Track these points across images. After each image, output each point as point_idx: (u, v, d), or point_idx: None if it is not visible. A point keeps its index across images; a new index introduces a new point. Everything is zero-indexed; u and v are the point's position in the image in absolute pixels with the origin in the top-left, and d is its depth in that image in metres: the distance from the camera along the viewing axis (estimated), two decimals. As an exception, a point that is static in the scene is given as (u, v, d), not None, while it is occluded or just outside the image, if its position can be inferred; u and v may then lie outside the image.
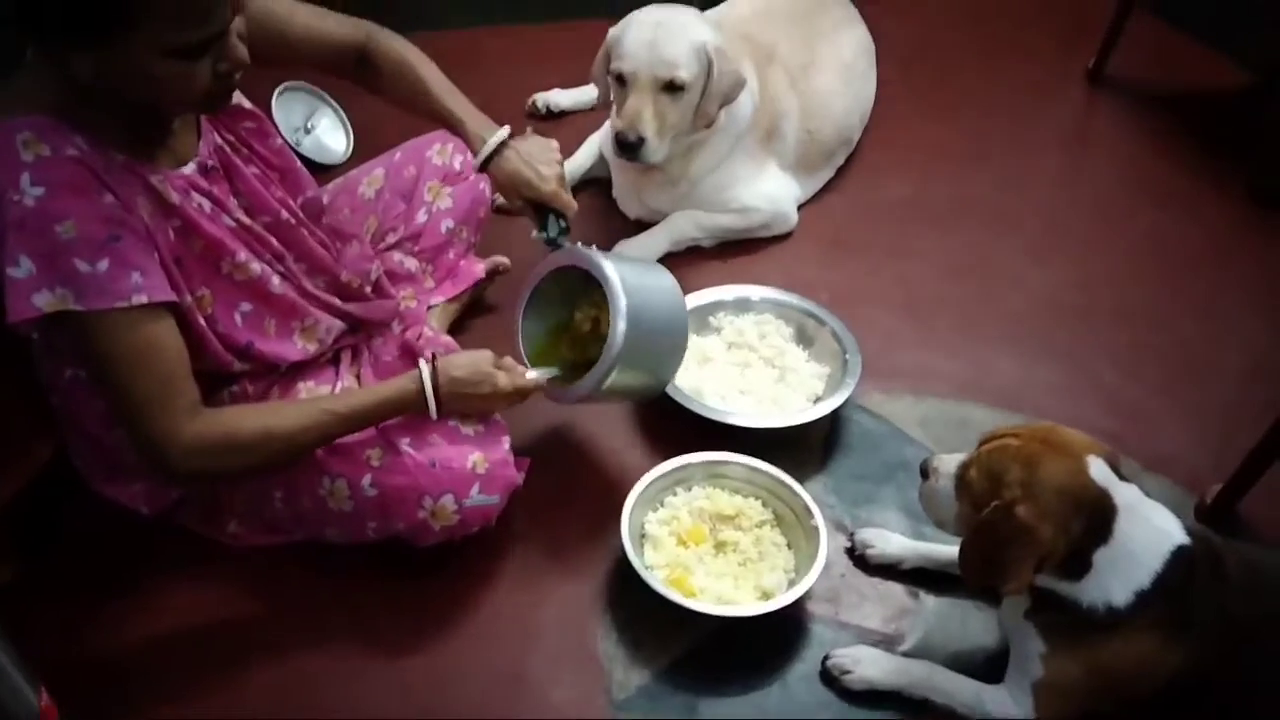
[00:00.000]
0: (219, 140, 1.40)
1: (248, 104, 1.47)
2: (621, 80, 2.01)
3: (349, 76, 1.63)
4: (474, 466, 1.45)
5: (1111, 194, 2.48)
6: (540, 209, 1.62)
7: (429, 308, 1.86)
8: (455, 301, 1.94)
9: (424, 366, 1.45)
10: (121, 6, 1.08)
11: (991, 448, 1.29)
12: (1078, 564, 1.22)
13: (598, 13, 2.75)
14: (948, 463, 1.34)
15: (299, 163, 1.56)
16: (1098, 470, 1.24)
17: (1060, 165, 2.63)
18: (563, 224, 1.62)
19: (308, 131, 2.41)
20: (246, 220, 1.41)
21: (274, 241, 1.46)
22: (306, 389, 1.54)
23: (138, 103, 1.22)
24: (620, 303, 1.50)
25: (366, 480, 1.43)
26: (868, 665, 1.39)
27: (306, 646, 1.46)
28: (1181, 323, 2.08)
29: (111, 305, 1.19)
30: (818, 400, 1.79)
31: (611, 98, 2.08)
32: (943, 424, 1.83)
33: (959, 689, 1.34)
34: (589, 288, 1.60)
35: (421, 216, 1.85)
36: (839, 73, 2.40)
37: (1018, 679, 1.31)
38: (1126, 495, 1.24)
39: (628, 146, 1.99)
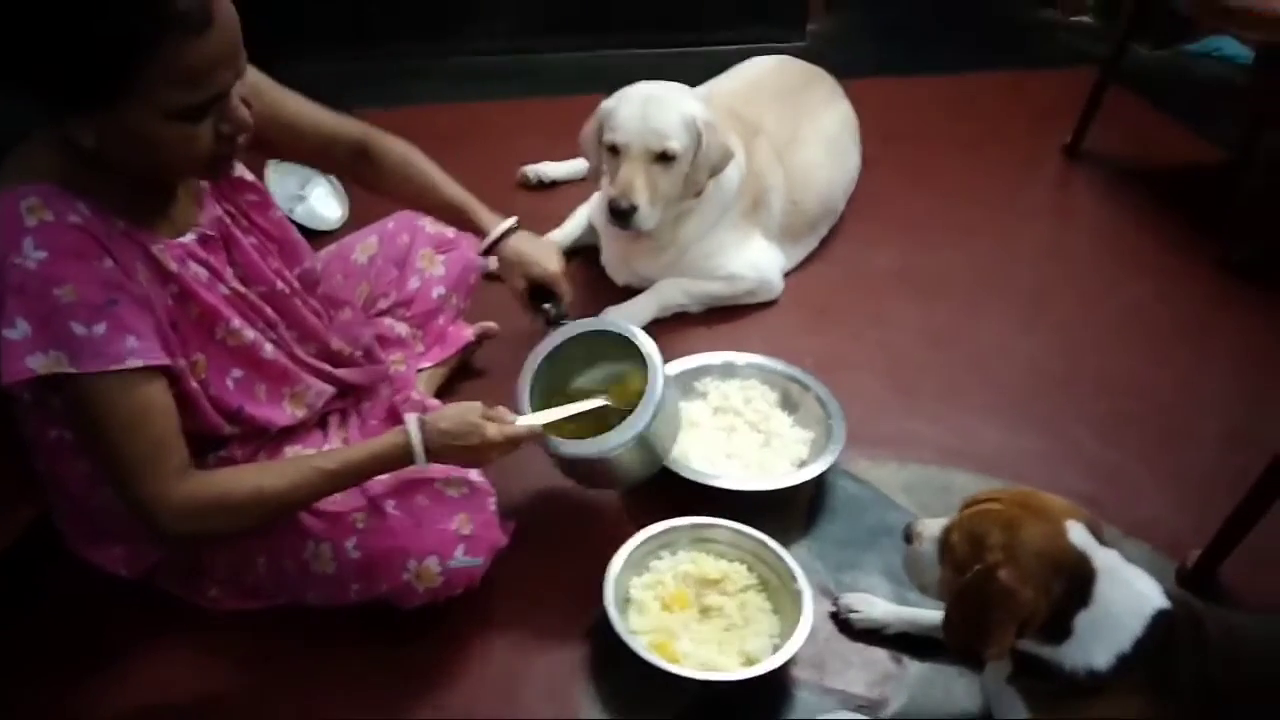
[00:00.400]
0: (219, 211, 1.42)
1: (250, 176, 1.50)
2: (615, 151, 2.06)
3: (344, 170, 1.70)
4: (459, 528, 1.45)
5: (1091, 265, 2.53)
6: (538, 293, 1.70)
7: (418, 371, 1.88)
8: (443, 366, 1.96)
9: (411, 420, 1.43)
10: (120, 71, 1.10)
11: (973, 512, 1.30)
12: (1059, 628, 1.23)
13: (586, 89, 2.83)
14: (931, 527, 1.35)
15: (297, 234, 1.58)
16: (1077, 534, 1.25)
17: (1040, 237, 2.69)
18: (562, 307, 1.70)
19: (301, 200, 2.45)
20: (241, 288, 1.43)
21: (268, 310, 1.47)
22: (293, 453, 1.54)
23: (141, 167, 1.24)
24: (658, 362, 1.58)
25: (351, 543, 1.44)
26: (852, 732, 1.38)
27: (288, 717, 1.45)
28: (1160, 390, 2.10)
29: (105, 368, 1.20)
30: (802, 465, 1.80)
31: (603, 168, 2.13)
32: (927, 490, 1.84)
33: (943, 755, 1.34)
34: (574, 376, 1.70)
35: (414, 283, 1.88)
36: (823, 146, 2.46)
37: (1001, 744, 1.30)
38: (1106, 559, 1.25)
39: (621, 214, 2.03)
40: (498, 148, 2.89)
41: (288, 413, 1.53)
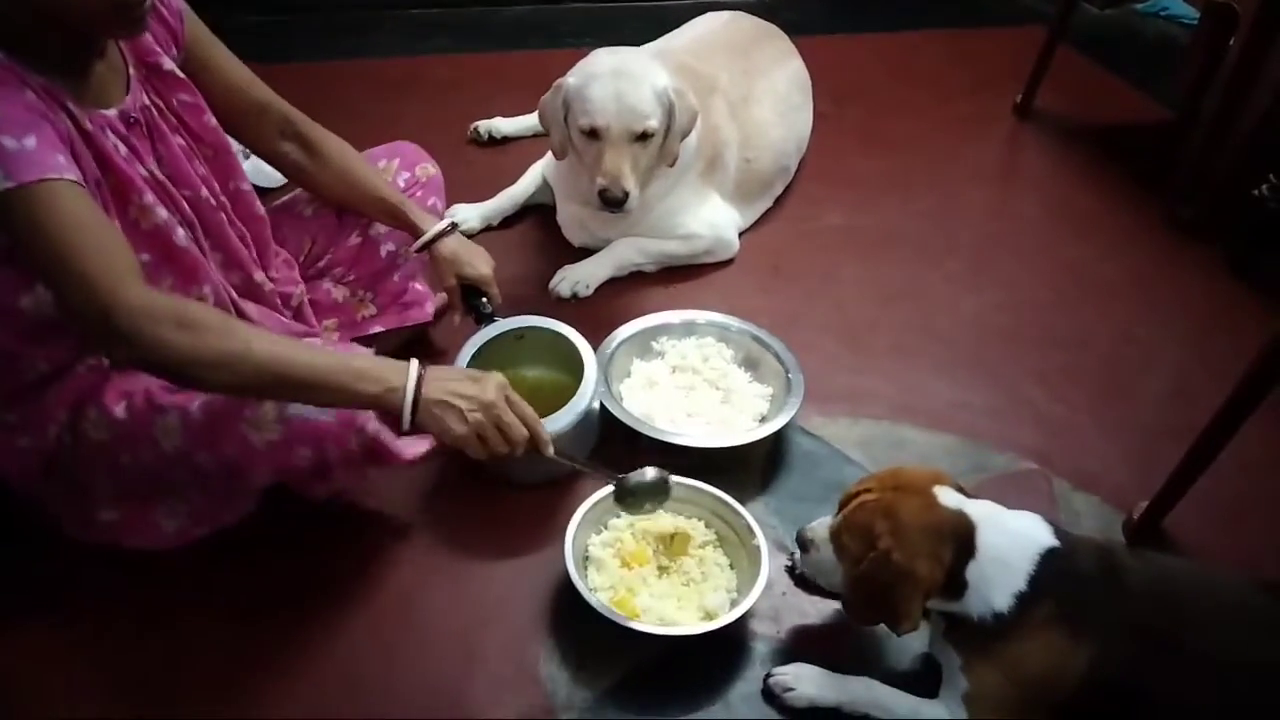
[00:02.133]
0: (147, 100, 1.37)
1: (183, 75, 1.44)
2: (593, 134, 2.01)
3: (271, 145, 1.64)
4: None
5: (1038, 222, 2.57)
6: (468, 291, 1.75)
7: (372, 334, 1.81)
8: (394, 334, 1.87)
9: (413, 365, 1.32)
10: None
11: (854, 507, 1.36)
12: (955, 584, 1.29)
13: (534, 43, 2.79)
14: (820, 531, 1.42)
15: (233, 149, 1.52)
16: (947, 497, 1.32)
17: (990, 194, 2.71)
18: (491, 305, 1.78)
19: (246, 156, 2.38)
20: (160, 176, 1.37)
21: (186, 208, 1.41)
22: None
23: (49, 12, 1.19)
24: (591, 357, 1.71)
25: (195, 404, 1.35)
26: (808, 683, 1.41)
27: (236, 677, 1.43)
28: (1107, 346, 2.15)
29: (45, 175, 1.15)
30: (763, 420, 1.81)
31: (575, 148, 2.08)
32: (880, 445, 1.86)
33: (897, 704, 1.37)
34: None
35: (354, 238, 1.81)
36: (776, 104, 2.46)
37: (950, 692, 1.34)
38: (980, 510, 1.32)
39: (614, 202, 2.00)
40: (444, 102, 2.85)
41: None
